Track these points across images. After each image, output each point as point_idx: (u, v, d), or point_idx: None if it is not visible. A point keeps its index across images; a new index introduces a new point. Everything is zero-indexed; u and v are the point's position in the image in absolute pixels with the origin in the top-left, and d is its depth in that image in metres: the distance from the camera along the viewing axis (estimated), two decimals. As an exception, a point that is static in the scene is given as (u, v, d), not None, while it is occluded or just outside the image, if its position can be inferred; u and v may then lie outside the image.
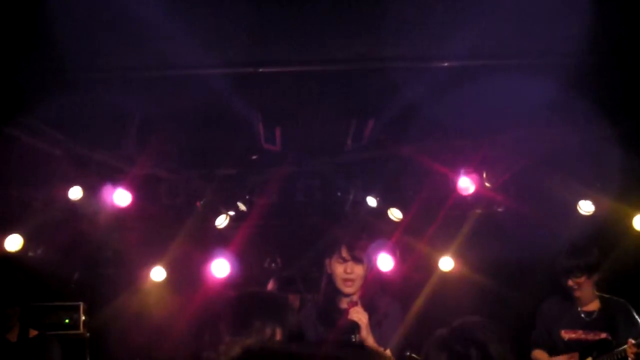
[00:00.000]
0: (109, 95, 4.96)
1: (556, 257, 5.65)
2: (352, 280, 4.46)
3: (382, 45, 4.63)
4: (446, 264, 7.16)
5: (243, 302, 2.67)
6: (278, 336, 2.52)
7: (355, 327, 4.23)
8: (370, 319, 4.31)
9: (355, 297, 4.46)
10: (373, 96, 5.31)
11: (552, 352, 5.80)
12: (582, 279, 5.54)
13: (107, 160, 6.33)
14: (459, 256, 7.16)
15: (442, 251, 7.16)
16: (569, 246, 5.66)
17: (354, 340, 4.13)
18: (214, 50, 4.41)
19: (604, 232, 6.36)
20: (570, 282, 5.56)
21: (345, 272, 4.45)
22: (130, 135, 5.89)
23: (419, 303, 6.15)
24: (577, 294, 5.61)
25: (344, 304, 4.49)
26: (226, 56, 4.54)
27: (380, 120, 5.68)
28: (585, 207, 6.61)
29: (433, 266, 7.17)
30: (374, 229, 6.42)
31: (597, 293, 5.70)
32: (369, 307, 4.38)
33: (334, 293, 4.56)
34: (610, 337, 5.60)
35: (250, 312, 2.56)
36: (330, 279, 4.57)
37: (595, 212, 6.58)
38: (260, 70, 4.59)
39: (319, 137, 6.22)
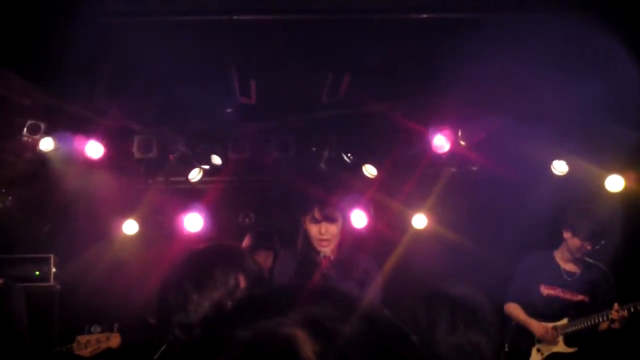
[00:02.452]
0: (80, 44, 4.84)
1: (581, 220, 5.71)
2: (327, 240, 4.45)
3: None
4: (419, 221, 7.18)
5: (201, 256, 2.62)
6: (242, 284, 2.48)
7: (330, 280, 4.23)
8: (350, 275, 4.31)
9: (329, 252, 4.45)
10: (350, 49, 5.23)
11: (528, 307, 5.87)
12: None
13: (79, 111, 6.22)
14: (432, 214, 7.18)
15: (416, 209, 7.18)
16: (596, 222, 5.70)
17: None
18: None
19: (577, 193, 6.40)
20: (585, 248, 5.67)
21: (320, 233, 4.44)
22: (102, 86, 5.77)
23: (392, 260, 6.16)
24: (578, 255, 5.73)
25: (319, 258, 4.49)
26: (200, 3, 4.45)
27: (357, 74, 5.60)
28: (559, 167, 6.64)
29: (407, 223, 7.19)
30: (348, 185, 6.40)
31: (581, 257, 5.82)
32: (347, 263, 4.38)
33: (310, 251, 4.55)
34: (587, 301, 5.70)
35: (209, 264, 2.51)
36: (306, 236, 4.55)
37: (569, 173, 6.62)
38: (235, 17, 4.49)
39: (295, 92, 6.13)
